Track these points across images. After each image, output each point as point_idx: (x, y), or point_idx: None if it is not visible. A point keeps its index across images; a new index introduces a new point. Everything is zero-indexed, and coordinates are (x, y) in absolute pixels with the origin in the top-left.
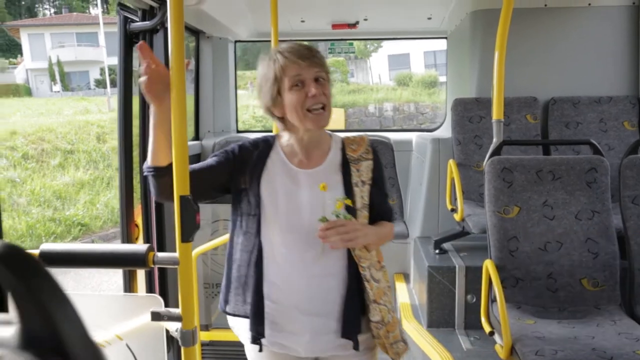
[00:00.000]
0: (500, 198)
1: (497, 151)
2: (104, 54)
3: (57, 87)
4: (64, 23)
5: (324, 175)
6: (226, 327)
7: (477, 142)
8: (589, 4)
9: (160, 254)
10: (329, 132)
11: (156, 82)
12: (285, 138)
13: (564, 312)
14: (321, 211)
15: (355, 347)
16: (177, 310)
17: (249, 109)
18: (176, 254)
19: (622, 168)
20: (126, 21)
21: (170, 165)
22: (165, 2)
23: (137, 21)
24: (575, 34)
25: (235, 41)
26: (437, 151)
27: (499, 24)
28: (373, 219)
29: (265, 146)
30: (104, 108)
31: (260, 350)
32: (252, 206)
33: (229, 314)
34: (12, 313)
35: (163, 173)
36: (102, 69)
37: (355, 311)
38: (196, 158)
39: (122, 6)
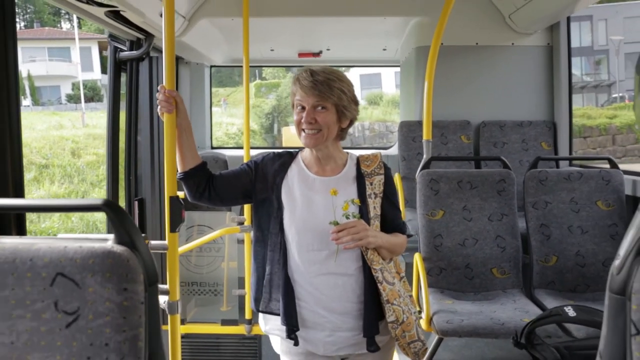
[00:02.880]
0: (428, 203)
1: (426, 165)
2: (78, 70)
3: (27, 101)
4: (36, 37)
5: (338, 184)
6: (200, 322)
7: (419, 158)
8: (512, 44)
9: (154, 242)
10: (346, 150)
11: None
12: (307, 151)
13: (478, 295)
14: (332, 214)
15: (371, 345)
16: (165, 286)
17: (222, 126)
18: (166, 242)
19: (526, 180)
20: (116, 50)
21: (192, 169)
22: (151, 34)
23: (125, 50)
24: (501, 68)
25: (211, 66)
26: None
27: (428, 59)
28: (386, 231)
29: (288, 157)
30: (78, 123)
31: (296, 344)
32: (274, 209)
33: (262, 312)
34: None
35: (188, 176)
36: (73, 84)
37: (374, 311)
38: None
39: (112, 37)
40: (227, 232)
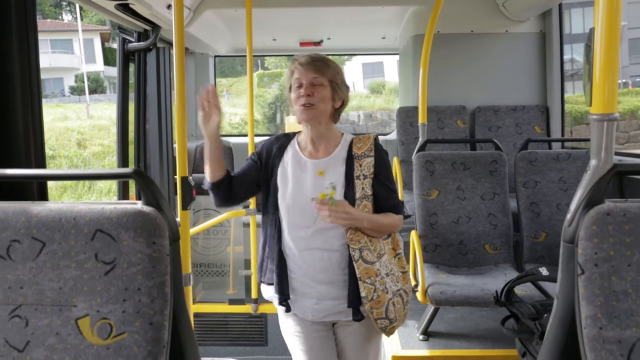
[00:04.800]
0: (424, 184)
1: (422, 148)
2: (82, 62)
3: None
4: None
5: (327, 165)
6: (208, 302)
7: (416, 142)
8: (506, 31)
9: None
10: (343, 131)
11: (208, 119)
12: (303, 133)
13: (471, 270)
14: (317, 193)
15: (356, 315)
16: None
17: (225, 116)
18: (178, 219)
19: (516, 160)
20: (124, 42)
21: (219, 181)
22: (157, 25)
23: (133, 42)
24: (495, 55)
25: (215, 56)
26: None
27: (423, 46)
28: (379, 211)
29: (285, 140)
30: (82, 115)
31: (288, 310)
32: (271, 190)
33: (263, 283)
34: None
35: (216, 187)
36: (77, 76)
37: (356, 286)
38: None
39: (121, 29)
40: (233, 215)
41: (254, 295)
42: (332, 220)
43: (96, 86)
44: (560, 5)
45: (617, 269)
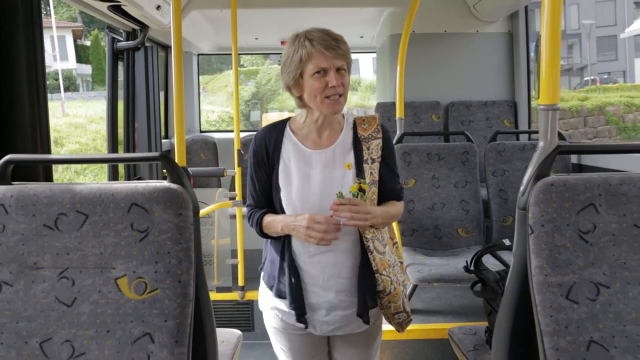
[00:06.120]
0: (401, 173)
1: (399, 140)
2: (57, 59)
3: None
4: None
5: (335, 153)
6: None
7: (394, 136)
8: (477, 31)
9: None
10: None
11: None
12: (300, 120)
13: (446, 252)
14: (338, 188)
15: (366, 321)
16: None
17: (203, 113)
18: None
19: (486, 151)
20: (113, 41)
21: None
22: (146, 25)
23: (122, 41)
24: (467, 53)
25: (198, 54)
26: None
27: (400, 45)
28: (384, 197)
29: (277, 133)
30: (57, 113)
31: (304, 327)
32: (273, 190)
33: (276, 296)
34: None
35: (266, 236)
36: (49, 74)
37: (369, 286)
38: (167, 153)
39: (110, 28)
40: (220, 206)
41: (240, 282)
42: (355, 223)
43: (69, 84)
44: (526, 8)
45: (559, 228)
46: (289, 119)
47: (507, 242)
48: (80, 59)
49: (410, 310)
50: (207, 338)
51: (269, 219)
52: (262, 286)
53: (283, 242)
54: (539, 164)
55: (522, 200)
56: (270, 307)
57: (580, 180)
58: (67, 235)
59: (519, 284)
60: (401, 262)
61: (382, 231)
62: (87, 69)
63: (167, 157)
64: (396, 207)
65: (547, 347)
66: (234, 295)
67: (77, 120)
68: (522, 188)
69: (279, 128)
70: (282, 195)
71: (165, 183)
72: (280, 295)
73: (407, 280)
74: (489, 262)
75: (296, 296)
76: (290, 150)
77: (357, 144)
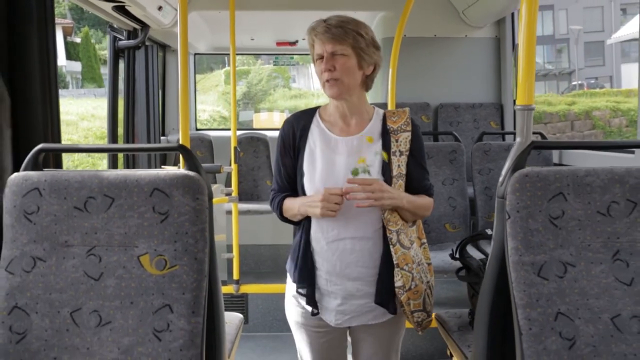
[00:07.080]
0: None
1: None
2: None
3: None
4: None
5: (362, 141)
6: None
7: None
8: (466, 36)
9: None
10: (374, 105)
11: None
12: (329, 107)
13: (434, 246)
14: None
15: (390, 308)
16: None
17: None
18: None
19: (473, 151)
20: (115, 39)
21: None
22: (147, 25)
23: (123, 39)
24: (456, 57)
25: (195, 54)
26: None
27: (392, 49)
28: (412, 192)
29: (307, 118)
30: None
31: (315, 314)
32: (300, 174)
33: (293, 281)
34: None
35: (286, 220)
36: None
37: (389, 277)
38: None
39: (111, 27)
40: (216, 202)
41: (235, 276)
42: (371, 203)
43: (59, 81)
44: (513, 14)
45: (532, 214)
46: (319, 106)
47: (489, 231)
48: (70, 55)
49: (431, 310)
50: (218, 310)
51: (289, 202)
52: (288, 277)
53: (302, 227)
54: (516, 158)
55: (500, 189)
56: (292, 294)
57: (551, 172)
58: (95, 217)
59: (498, 264)
60: (429, 264)
61: (410, 228)
62: (77, 66)
63: (186, 147)
64: (425, 200)
65: (521, 318)
66: (229, 289)
67: (69, 117)
68: (500, 179)
69: (308, 114)
70: (305, 179)
71: (183, 170)
72: (296, 280)
73: (433, 282)
74: (473, 254)
75: (305, 278)
76: (317, 136)
77: (386, 135)
